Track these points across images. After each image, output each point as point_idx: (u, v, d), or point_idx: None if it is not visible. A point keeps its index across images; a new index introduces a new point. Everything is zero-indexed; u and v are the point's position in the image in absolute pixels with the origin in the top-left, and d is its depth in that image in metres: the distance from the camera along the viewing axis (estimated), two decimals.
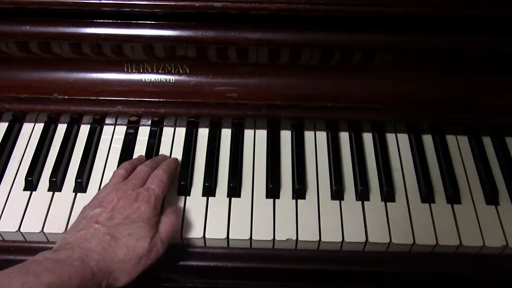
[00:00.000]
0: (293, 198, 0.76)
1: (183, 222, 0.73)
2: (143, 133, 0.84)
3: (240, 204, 0.75)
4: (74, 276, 0.56)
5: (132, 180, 0.70)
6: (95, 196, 0.70)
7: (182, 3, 0.69)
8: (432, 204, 0.76)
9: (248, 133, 0.84)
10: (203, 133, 0.84)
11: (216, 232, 0.72)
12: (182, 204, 0.75)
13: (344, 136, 0.84)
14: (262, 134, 0.84)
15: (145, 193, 0.68)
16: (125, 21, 0.73)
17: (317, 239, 0.72)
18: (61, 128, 0.84)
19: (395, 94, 0.79)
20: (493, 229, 0.73)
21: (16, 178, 0.78)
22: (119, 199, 0.67)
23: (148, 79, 0.79)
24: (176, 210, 0.71)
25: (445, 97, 0.79)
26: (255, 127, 0.84)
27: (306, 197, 0.76)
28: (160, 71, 0.79)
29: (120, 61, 0.78)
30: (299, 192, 0.76)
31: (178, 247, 0.73)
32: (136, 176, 0.71)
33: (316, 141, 0.83)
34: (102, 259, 0.60)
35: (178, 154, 0.81)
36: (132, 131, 0.84)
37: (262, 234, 0.72)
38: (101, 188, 0.75)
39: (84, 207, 0.69)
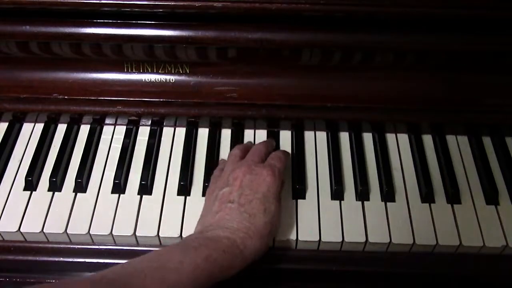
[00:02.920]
0: (293, 198, 0.76)
1: (183, 222, 0.73)
2: (143, 133, 0.84)
3: None
4: (226, 251, 0.60)
5: (250, 157, 0.73)
6: (219, 178, 0.72)
7: (182, 3, 0.69)
8: (432, 204, 0.76)
9: (248, 133, 0.84)
10: (203, 133, 0.84)
11: None
12: None
13: (344, 136, 0.84)
14: (262, 134, 0.84)
15: (268, 167, 0.70)
16: (125, 21, 0.73)
17: (317, 239, 0.72)
18: (61, 128, 0.84)
19: (395, 94, 0.79)
20: (493, 229, 0.73)
21: (16, 178, 0.78)
22: (244, 174, 0.68)
23: (148, 79, 0.79)
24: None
25: (445, 97, 0.79)
26: (255, 127, 0.84)
27: (306, 197, 0.76)
28: (160, 71, 0.79)
29: (120, 61, 0.78)
30: (299, 192, 0.76)
31: None
32: (255, 153, 0.73)
33: (316, 141, 0.83)
34: (247, 237, 0.63)
35: (178, 154, 0.81)
36: (132, 131, 0.83)
37: None
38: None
39: (210, 189, 0.72)
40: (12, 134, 0.83)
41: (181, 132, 0.84)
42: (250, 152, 0.74)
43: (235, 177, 0.68)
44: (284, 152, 0.77)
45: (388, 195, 0.76)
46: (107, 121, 0.84)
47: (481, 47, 0.75)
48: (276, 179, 0.68)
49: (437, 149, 0.82)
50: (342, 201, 0.76)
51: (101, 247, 0.74)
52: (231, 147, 0.82)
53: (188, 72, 0.79)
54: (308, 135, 0.84)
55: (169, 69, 0.79)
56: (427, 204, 0.76)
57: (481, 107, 0.80)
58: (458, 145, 0.83)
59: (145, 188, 0.76)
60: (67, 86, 0.79)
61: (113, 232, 0.72)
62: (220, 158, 0.81)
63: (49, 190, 0.77)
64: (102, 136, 0.84)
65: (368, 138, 0.84)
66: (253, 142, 0.83)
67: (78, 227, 0.72)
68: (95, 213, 0.74)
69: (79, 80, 0.79)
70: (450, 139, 0.84)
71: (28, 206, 0.75)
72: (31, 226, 0.73)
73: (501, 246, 0.72)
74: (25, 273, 0.75)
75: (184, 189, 0.76)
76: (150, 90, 0.79)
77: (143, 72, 0.79)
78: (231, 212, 0.65)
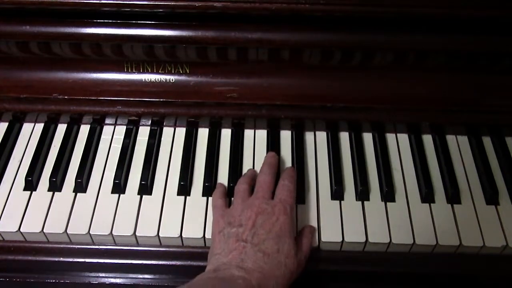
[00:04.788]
0: None
1: (183, 222, 0.73)
2: (143, 133, 0.84)
3: None
4: None
5: (260, 193, 0.70)
6: (226, 213, 0.70)
7: (182, 3, 0.69)
8: (432, 204, 0.76)
9: (248, 133, 0.84)
10: (203, 133, 0.84)
11: None
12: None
13: (344, 136, 0.84)
14: (262, 134, 0.84)
15: (279, 205, 0.68)
16: (125, 21, 0.73)
17: (317, 239, 0.72)
18: (61, 128, 0.84)
19: (395, 94, 0.79)
20: (493, 229, 0.73)
21: (16, 178, 0.78)
22: (256, 214, 0.67)
23: (148, 79, 0.79)
24: (312, 231, 0.72)
25: (445, 97, 0.79)
26: (255, 127, 0.84)
27: (306, 197, 0.76)
28: (160, 71, 0.79)
29: (120, 61, 0.78)
30: (299, 192, 0.76)
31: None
32: (263, 188, 0.71)
33: (316, 141, 0.83)
34: (262, 277, 0.61)
35: (178, 154, 0.81)
36: (132, 131, 0.83)
37: None
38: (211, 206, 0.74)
39: (218, 225, 0.68)
40: (12, 134, 0.83)
41: (181, 132, 0.84)
42: (258, 186, 0.72)
43: (247, 217, 0.67)
44: (291, 177, 0.73)
45: (388, 195, 0.76)
46: (107, 121, 0.84)
47: (481, 47, 0.75)
48: (289, 217, 0.67)
49: (437, 149, 0.82)
50: (342, 201, 0.76)
51: (101, 247, 0.74)
52: (231, 147, 0.82)
53: (188, 72, 0.79)
54: (308, 135, 0.84)
55: (169, 69, 0.79)
56: (427, 204, 0.76)
57: (481, 107, 0.80)
58: (458, 145, 0.83)
59: (145, 188, 0.76)
60: (67, 86, 0.79)
61: (113, 232, 0.72)
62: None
63: (49, 190, 0.77)
64: (102, 136, 0.84)
65: (368, 138, 0.84)
66: (253, 142, 0.83)
67: (78, 227, 0.72)
68: (95, 213, 0.74)
69: (79, 80, 0.79)
70: (450, 139, 0.84)
71: (28, 206, 0.75)
72: (31, 226, 0.73)
73: (501, 246, 0.72)
74: (25, 273, 0.75)
75: (184, 189, 0.76)
76: (150, 90, 0.79)
77: (143, 72, 0.79)
78: (246, 252, 0.63)
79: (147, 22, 0.73)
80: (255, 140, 0.83)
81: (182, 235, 0.72)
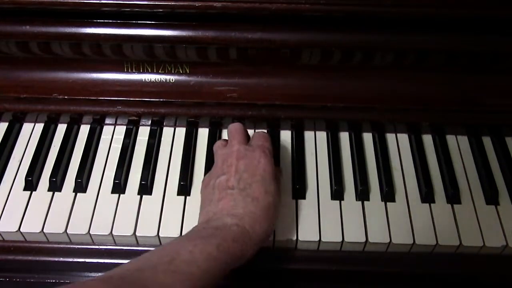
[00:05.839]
0: (293, 198, 0.76)
1: (183, 222, 0.73)
2: (143, 133, 0.84)
3: None
4: (236, 239, 0.58)
5: (235, 140, 0.70)
6: (210, 173, 0.70)
7: (182, 3, 0.69)
8: (432, 204, 0.76)
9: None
10: (203, 133, 0.84)
11: None
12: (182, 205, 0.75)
13: (344, 136, 0.84)
14: None
15: (258, 149, 0.68)
16: (125, 21, 0.73)
17: (317, 239, 0.72)
18: (61, 128, 0.84)
19: (395, 94, 0.79)
20: (493, 229, 0.73)
21: (16, 178, 0.78)
22: (237, 160, 0.67)
23: (148, 79, 0.79)
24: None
25: (445, 97, 0.79)
26: (255, 127, 0.84)
27: (306, 197, 0.76)
28: (160, 71, 0.79)
29: (120, 61, 0.78)
30: (299, 192, 0.76)
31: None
32: (235, 135, 0.71)
33: (316, 141, 0.83)
34: (255, 222, 0.62)
35: (178, 154, 0.81)
36: (132, 131, 0.83)
37: None
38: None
39: (205, 180, 0.70)
40: (12, 134, 0.83)
41: (181, 132, 0.84)
42: (231, 135, 0.72)
43: (229, 164, 0.67)
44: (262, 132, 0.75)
45: (388, 195, 0.76)
46: (107, 121, 0.84)
47: (481, 47, 0.75)
48: (269, 158, 0.68)
49: (437, 149, 0.82)
50: (342, 201, 0.76)
51: (101, 247, 0.74)
52: None
53: (188, 72, 0.79)
54: (308, 135, 0.84)
55: (169, 69, 0.79)
56: (427, 204, 0.76)
57: (481, 107, 0.80)
58: (458, 145, 0.83)
59: (145, 188, 0.76)
60: (67, 86, 0.79)
61: (113, 232, 0.72)
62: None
63: (49, 190, 0.77)
64: (102, 136, 0.84)
65: (368, 138, 0.84)
66: None
67: (78, 227, 0.72)
68: (95, 213, 0.74)
69: (79, 80, 0.79)
70: (450, 139, 0.84)
71: (28, 206, 0.75)
72: (31, 226, 0.73)
73: (501, 246, 0.72)
74: (25, 273, 0.75)
75: (184, 189, 0.77)
76: (150, 90, 0.79)
77: (143, 72, 0.79)
78: (234, 199, 0.63)
79: (147, 22, 0.73)
80: None
81: (182, 235, 0.72)
